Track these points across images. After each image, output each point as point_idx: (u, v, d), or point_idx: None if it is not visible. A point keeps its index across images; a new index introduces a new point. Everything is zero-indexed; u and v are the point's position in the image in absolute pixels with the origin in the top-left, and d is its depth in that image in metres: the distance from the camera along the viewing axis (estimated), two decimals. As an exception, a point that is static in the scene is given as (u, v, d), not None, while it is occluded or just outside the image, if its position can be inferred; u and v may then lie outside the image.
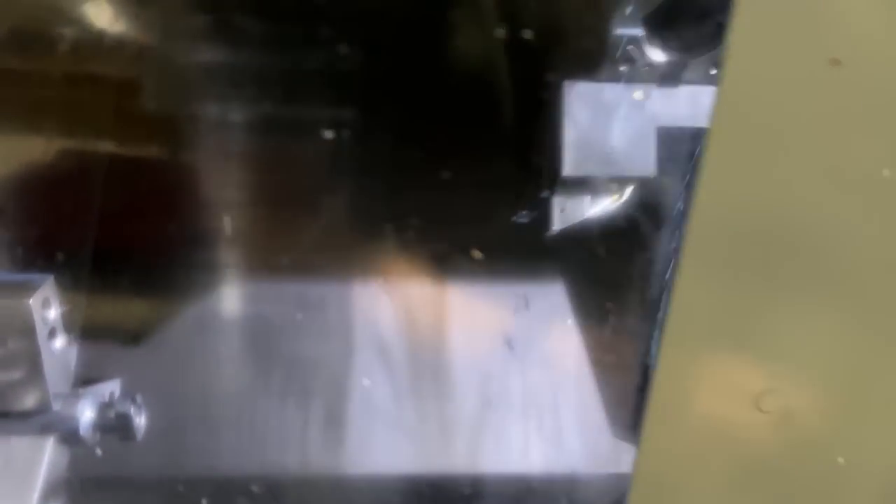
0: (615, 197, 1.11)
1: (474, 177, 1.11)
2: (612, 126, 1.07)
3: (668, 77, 1.09)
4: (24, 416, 1.01)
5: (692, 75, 1.06)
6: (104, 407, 1.04)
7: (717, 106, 0.65)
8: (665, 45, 1.06)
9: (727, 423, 0.72)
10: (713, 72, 1.02)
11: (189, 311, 1.22)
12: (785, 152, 0.65)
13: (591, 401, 1.25)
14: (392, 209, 1.15)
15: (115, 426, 1.03)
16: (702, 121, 0.95)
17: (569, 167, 1.07)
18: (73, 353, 1.04)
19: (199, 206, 1.16)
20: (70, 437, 1.02)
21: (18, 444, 0.99)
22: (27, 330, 0.95)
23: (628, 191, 1.12)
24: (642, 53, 1.04)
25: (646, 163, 1.09)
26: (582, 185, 1.10)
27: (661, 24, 1.05)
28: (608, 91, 1.08)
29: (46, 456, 0.98)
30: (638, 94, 1.08)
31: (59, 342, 1.01)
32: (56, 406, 1.00)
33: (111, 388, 1.11)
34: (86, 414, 1.02)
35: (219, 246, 1.18)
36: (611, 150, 1.07)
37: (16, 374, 0.98)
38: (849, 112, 0.64)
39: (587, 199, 1.11)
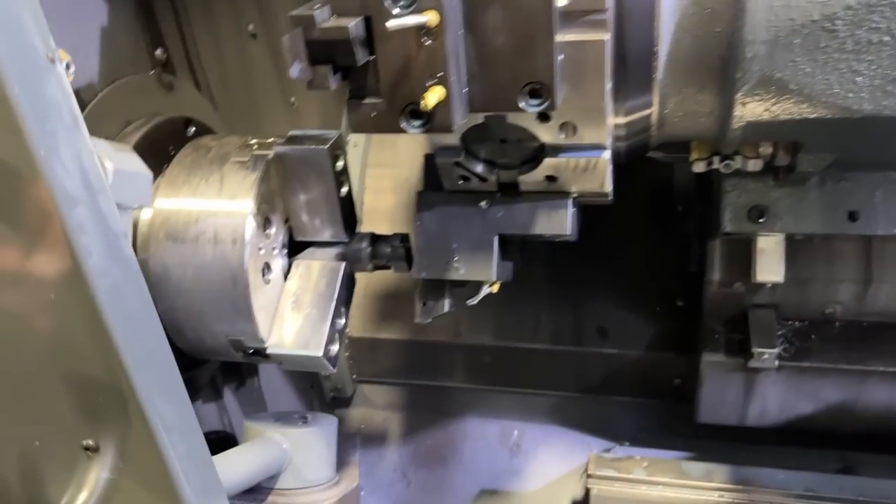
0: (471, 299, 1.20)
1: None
2: (456, 232, 1.15)
3: (508, 190, 1.12)
4: (324, 245, 1.25)
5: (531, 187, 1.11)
6: (382, 242, 1.25)
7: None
8: (482, 161, 1.10)
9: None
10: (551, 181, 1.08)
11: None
12: None
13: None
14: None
15: (390, 257, 1.25)
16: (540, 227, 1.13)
17: (417, 269, 1.17)
18: (352, 201, 1.26)
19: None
20: (357, 263, 1.25)
21: (320, 267, 1.23)
22: (324, 175, 1.17)
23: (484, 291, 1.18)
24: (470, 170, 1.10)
25: (486, 267, 1.14)
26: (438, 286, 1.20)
27: (473, 144, 1.08)
28: (455, 201, 1.15)
29: (340, 276, 1.22)
30: (483, 203, 1.13)
31: (345, 189, 1.22)
32: (346, 239, 1.23)
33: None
34: (365, 248, 1.24)
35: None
36: (455, 255, 1.15)
37: (318, 215, 1.21)
38: None
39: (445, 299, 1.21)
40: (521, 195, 1.12)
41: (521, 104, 0.89)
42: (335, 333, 1.20)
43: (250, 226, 1.13)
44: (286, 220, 1.24)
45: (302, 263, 1.24)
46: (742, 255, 1.58)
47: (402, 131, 0.88)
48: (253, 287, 1.14)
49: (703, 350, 1.69)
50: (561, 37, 0.87)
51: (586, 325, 1.90)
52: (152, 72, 1.29)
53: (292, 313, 1.20)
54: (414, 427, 2.09)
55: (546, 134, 1.01)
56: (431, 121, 0.86)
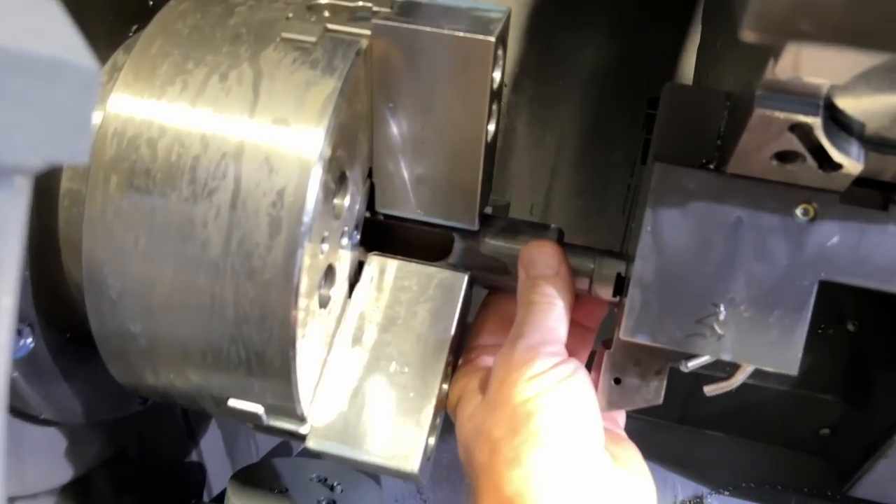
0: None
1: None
2: (732, 264, 0.55)
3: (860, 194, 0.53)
4: (425, 229, 0.65)
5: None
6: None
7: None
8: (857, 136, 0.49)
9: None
10: None
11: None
12: None
13: None
14: None
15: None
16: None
17: (630, 325, 0.56)
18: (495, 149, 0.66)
19: None
20: (489, 274, 0.65)
21: (421, 278, 0.64)
22: (473, 89, 0.56)
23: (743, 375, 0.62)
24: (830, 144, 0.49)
25: (785, 345, 0.56)
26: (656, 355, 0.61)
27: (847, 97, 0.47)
28: (742, 197, 0.55)
29: (460, 302, 0.63)
30: (800, 209, 0.54)
31: (493, 126, 0.61)
32: (476, 224, 0.63)
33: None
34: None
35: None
36: (721, 310, 0.56)
37: (439, 169, 0.60)
38: None
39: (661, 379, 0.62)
40: (891, 207, 0.53)
41: None
42: (438, 414, 0.62)
43: (315, 192, 0.51)
44: (369, 175, 0.62)
45: (382, 264, 0.64)
46: None
47: None
48: (302, 322, 0.54)
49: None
50: None
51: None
52: None
53: (357, 363, 0.61)
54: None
55: None
56: None
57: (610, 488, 0.56)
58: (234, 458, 1.09)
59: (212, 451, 1.05)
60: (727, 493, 1.43)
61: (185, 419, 0.99)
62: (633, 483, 0.58)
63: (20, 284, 0.32)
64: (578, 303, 0.62)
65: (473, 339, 0.66)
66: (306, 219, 0.50)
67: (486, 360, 0.63)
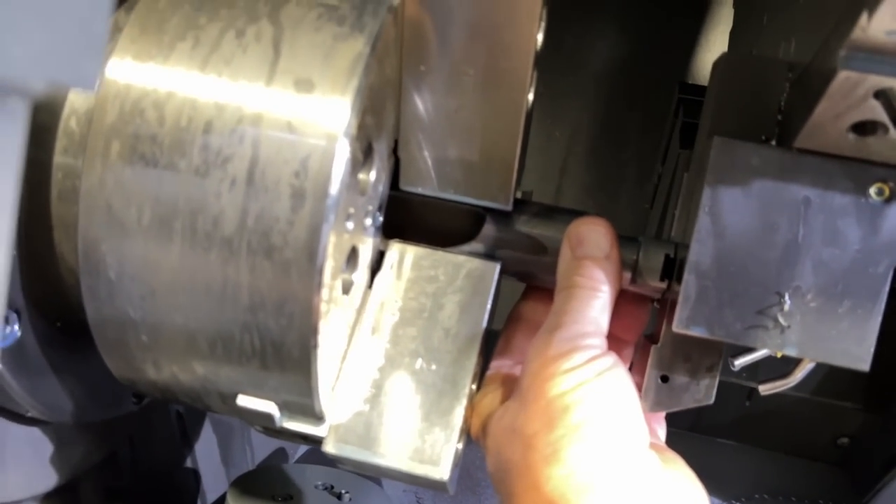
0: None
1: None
2: (796, 247, 0.50)
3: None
4: (451, 207, 0.59)
5: None
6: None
7: None
8: None
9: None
10: None
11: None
12: None
13: None
14: None
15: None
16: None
17: (685, 316, 0.51)
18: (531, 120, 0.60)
19: None
20: (521, 265, 0.60)
21: (448, 267, 0.58)
22: (515, 48, 0.50)
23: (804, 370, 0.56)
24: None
25: (858, 335, 0.51)
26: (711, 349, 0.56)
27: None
28: (810, 174, 0.50)
29: (492, 294, 0.57)
30: (875, 189, 0.49)
31: (531, 95, 0.56)
32: (509, 204, 0.58)
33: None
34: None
35: None
36: (785, 300, 0.51)
37: (472, 142, 0.55)
38: None
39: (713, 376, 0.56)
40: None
41: None
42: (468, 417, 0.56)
43: (344, 160, 0.46)
44: (394, 150, 0.57)
45: (404, 252, 0.58)
46: None
47: None
48: (324, 308, 0.48)
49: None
50: None
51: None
52: None
53: (379, 359, 0.55)
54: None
55: None
56: None
57: (661, 490, 0.51)
58: (230, 464, 1.03)
59: (206, 456, 0.98)
60: (739, 505, 1.38)
61: (179, 421, 0.92)
62: (685, 487, 0.53)
63: (10, 255, 0.26)
64: (616, 313, 0.57)
65: (500, 354, 0.61)
66: (333, 190, 0.45)
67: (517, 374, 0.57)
